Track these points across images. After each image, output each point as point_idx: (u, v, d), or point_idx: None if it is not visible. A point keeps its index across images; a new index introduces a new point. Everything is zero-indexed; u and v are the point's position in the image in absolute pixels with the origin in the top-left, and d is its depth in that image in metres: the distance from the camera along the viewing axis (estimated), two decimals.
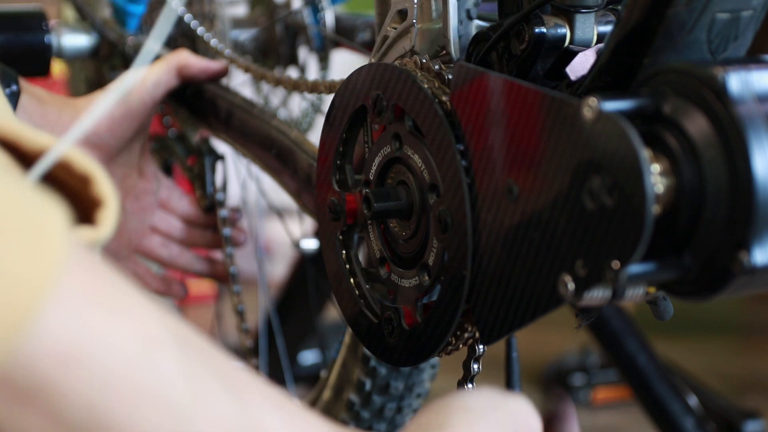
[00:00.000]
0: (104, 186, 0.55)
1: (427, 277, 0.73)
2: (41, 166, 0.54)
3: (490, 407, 0.63)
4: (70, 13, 1.33)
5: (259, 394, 0.53)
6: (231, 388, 0.51)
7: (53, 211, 0.47)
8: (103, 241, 0.54)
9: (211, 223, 1.12)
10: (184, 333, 0.51)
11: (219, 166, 1.11)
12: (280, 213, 1.23)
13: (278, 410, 0.53)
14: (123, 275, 0.50)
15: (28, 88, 0.99)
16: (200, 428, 0.49)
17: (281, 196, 1.03)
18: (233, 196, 1.20)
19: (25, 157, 0.55)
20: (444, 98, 0.71)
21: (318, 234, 0.83)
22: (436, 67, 0.73)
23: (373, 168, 0.77)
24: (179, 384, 0.49)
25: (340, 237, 0.80)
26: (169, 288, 1.12)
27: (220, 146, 1.15)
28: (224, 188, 1.11)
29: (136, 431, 0.47)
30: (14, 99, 0.96)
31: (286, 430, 0.53)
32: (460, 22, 0.75)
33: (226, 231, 1.09)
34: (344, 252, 0.80)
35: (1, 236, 0.44)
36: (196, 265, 1.13)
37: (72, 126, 1.01)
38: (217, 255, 1.16)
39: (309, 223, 1.28)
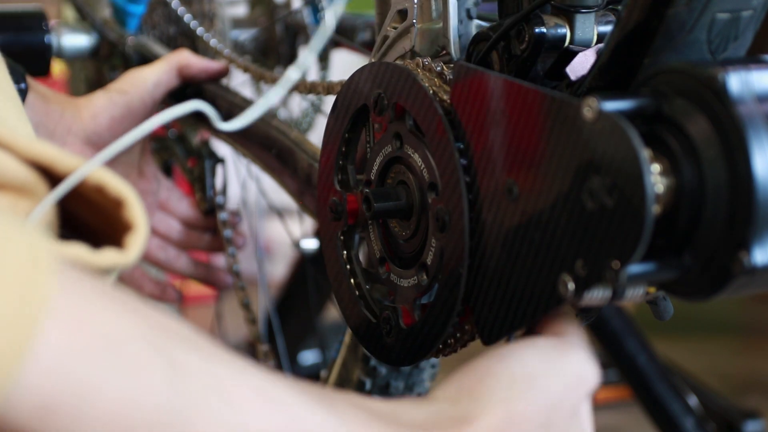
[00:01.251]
0: (136, 210, 0.56)
1: (425, 277, 0.73)
2: (62, 189, 0.55)
3: (538, 375, 0.60)
4: (70, 13, 1.33)
5: (253, 398, 0.51)
6: (227, 401, 0.50)
7: (39, 254, 0.46)
8: (129, 266, 0.55)
9: (210, 226, 1.12)
10: (175, 353, 0.49)
11: (219, 169, 1.11)
12: (280, 213, 1.23)
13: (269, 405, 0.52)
14: (121, 304, 0.48)
15: (34, 86, 0.99)
16: None
17: (281, 196, 1.03)
18: (233, 196, 1.20)
19: (56, 179, 0.56)
20: (445, 97, 0.71)
21: (319, 234, 0.83)
22: (438, 67, 0.73)
23: (375, 168, 0.77)
24: (170, 412, 0.48)
25: (341, 237, 0.80)
26: (164, 293, 1.12)
27: (221, 149, 1.15)
28: (224, 191, 1.11)
29: None
30: (22, 96, 0.96)
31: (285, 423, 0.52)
32: (460, 21, 0.76)
33: (227, 232, 1.09)
34: (345, 252, 0.80)
35: None
36: (192, 269, 1.13)
37: (74, 125, 1.02)
38: (216, 260, 1.16)
39: (309, 223, 1.28)
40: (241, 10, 1.30)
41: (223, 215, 1.09)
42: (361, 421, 0.55)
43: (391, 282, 0.77)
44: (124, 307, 0.49)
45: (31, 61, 1.10)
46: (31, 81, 0.99)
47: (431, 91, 0.71)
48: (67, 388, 0.45)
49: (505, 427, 0.57)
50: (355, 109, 0.78)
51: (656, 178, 0.58)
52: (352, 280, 0.80)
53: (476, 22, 0.76)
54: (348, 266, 0.80)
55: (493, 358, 0.61)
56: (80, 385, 0.46)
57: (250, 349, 1.46)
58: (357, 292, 0.79)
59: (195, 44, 1.19)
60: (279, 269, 2.19)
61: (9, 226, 0.47)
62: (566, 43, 0.72)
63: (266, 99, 0.64)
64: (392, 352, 0.76)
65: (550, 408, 0.59)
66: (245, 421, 0.50)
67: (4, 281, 0.45)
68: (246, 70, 1.07)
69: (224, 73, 1.06)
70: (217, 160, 1.11)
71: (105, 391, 0.46)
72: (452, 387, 0.60)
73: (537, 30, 0.71)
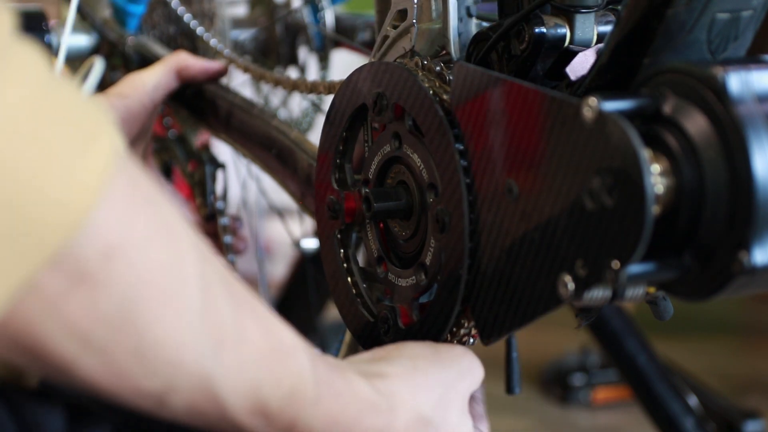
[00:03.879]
0: None
1: (423, 277, 0.73)
2: None
3: (434, 353, 0.70)
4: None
5: (254, 315, 0.59)
6: (234, 304, 0.57)
7: (105, 114, 0.51)
8: None
9: (211, 231, 1.12)
10: (203, 246, 0.56)
11: (219, 174, 1.11)
12: (280, 213, 1.23)
13: (264, 328, 0.59)
14: (158, 185, 0.54)
15: None
16: (204, 331, 0.54)
17: (281, 196, 1.03)
18: (233, 195, 1.19)
19: None
20: (445, 97, 0.71)
21: (316, 232, 0.83)
22: (437, 68, 0.73)
23: (373, 167, 0.77)
24: (196, 291, 0.54)
25: (338, 236, 0.80)
26: None
27: (221, 151, 1.15)
28: (224, 197, 1.11)
29: (155, 330, 0.52)
30: None
31: (263, 338, 0.59)
32: (459, 19, 0.75)
33: (227, 238, 1.09)
34: (342, 251, 0.80)
35: (63, 133, 0.48)
36: None
37: None
38: None
39: (309, 222, 1.28)
40: (241, 10, 1.30)
41: (223, 220, 1.09)
42: (334, 367, 0.64)
43: (389, 281, 0.77)
44: (170, 202, 0.55)
45: None
46: None
47: (431, 92, 0.71)
48: (127, 238, 0.50)
49: (409, 381, 0.67)
50: (353, 108, 0.78)
51: (656, 179, 0.58)
52: (349, 279, 0.80)
53: (476, 20, 0.76)
54: (345, 265, 0.80)
55: (397, 342, 0.72)
56: (136, 240, 0.51)
57: None
58: (354, 291, 0.79)
59: (195, 44, 1.19)
60: (279, 269, 2.19)
61: (75, 86, 0.51)
62: (566, 43, 0.72)
63: None
64: None
65: (447, 385, 0.69)
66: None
67: (80, 129, 0.49)
68: (246, 70, 1.07)
69: (223, 72, 1.06)
70: (218, 165, 1.11)
71: (157, 247, 0.52)
72: (365, 356, 0.70)
73: (537, 30, 0.71)
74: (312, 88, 0.97)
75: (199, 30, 1.15)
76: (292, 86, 1.00)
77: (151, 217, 0.52)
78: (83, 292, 0.49)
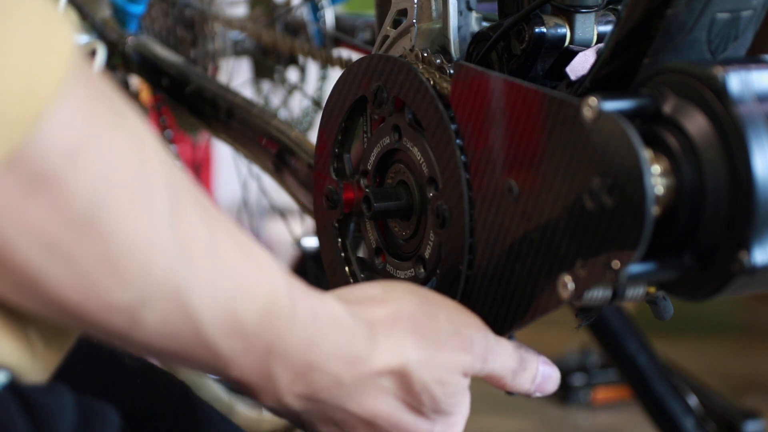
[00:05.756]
0: None
1: (422, 270, 0.73)
2: None
3: (443, 300, 0.67)
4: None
5: (227, 231, 0.57)
6: (206, 218, 0.55)
7: (63, 17, 0.49)
8: None
9: None
10: (170, 158, 0.54)
11: None
12: (280, 212, 1.23)
13: (238, 245, 0.57)
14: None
15: None
16: (174, 239, 0.53)
17: (281, 196, 1.03)
18: (234, 195, 1.20)
19: None
20: (445, 85, 0.71)
21: (315, 222, 0.83)
22: (438, 60, 0.73)
23: (372, 158, 0.77)
24: (164, 197, 0.52)
25: (336, 225, 0.80)
26: None
27: (223, 149, 1.15)
28: None
29: (123, 234, 0.50)
30: None
31: (236, 252, 0.57)
32: (459, 12, 0.75)
33: None
34: (340, 240, 0.80)
35: (22, 33, 0.47)
36: None
37: None
38: None
39: (310, 221, 1.28)
40: (241, 11, 1.30)
41: None
42: (311, 290, 0.62)
43: (387, 273, 0.77)
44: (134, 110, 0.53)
45: None
46: None
47: (431, 83, 0.71)
48: (90, 137, 0.49)
49: (393, 320, 0.63)
50: (353, 99, 0.78)
51: (656, 179, 0.58)
52: (347, 269, 0.80)
53: (476, 15, 0.76)
54: (343, 254, 0.80)
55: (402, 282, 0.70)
56: (100, 140, 0.49)
57: None
58: (352, 281, 0.79)
59: (194, 33, 1.19)
60: None
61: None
62: (566, 43, 0.72)
63: None
64: None
65: (432, 338, 0.64)
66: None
67: (39, 28, 0.48)
68: (242, 29, 1.07)
69: None
70: None
71: (123, 150, 0.50)
72: (349, 286, 0.68)
73: (537, 30, 0.71)
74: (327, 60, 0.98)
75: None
76: (307, 53, 1.01)
77: (115, 120, 0.50)
78: (46, 193, 0.48)
